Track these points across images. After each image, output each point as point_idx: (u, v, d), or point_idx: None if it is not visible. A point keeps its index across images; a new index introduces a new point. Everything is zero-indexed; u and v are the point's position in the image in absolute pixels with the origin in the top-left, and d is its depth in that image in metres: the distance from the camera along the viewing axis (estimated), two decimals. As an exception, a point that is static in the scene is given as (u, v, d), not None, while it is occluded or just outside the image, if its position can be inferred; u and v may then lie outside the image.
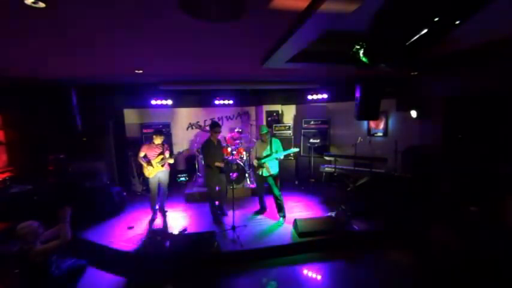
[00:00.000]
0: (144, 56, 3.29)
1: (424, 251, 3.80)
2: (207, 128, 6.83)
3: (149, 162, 4.68)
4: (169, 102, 6.50)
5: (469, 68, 4.16)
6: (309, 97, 6.90)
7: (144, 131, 6.61)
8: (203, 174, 6.21)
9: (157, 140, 4.76)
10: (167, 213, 5.03)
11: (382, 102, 5.24)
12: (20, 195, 4.55)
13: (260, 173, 4.58)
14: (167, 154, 4.81)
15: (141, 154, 4.73)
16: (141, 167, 4.89)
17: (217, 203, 4.84)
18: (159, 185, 4.86)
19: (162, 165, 4.77)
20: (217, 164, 4.45)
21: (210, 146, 4.54)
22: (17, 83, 4.74)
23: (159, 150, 4.76)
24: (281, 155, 4.46)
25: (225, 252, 3.74)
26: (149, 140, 4.93)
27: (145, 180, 6.04)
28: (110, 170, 5.85)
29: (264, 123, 7.37)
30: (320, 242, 3.99)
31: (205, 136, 6.87)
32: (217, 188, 4.77)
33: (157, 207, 4.94)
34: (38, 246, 2.45)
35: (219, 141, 4.77)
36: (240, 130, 6.72)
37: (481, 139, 4.20)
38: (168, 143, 6.81)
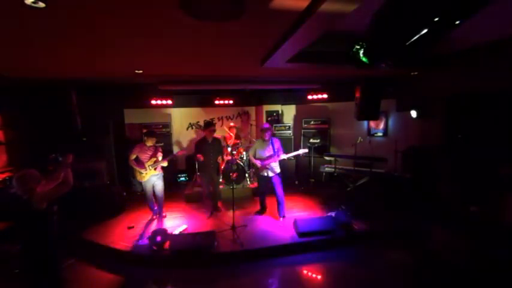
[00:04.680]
0: (144, 56, 3.29)
1: (424, 251, 3.80)
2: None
3: (143, 165, 4.48)
4: (169, 102, 6.50)
5: (469, 67, 4.16)
6: (309, 97, 6.90)
7: (144, 131, 6.60)
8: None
9: (149, 142, 4.52)
10: (166, 216, 4.93)
11: (382, 102, 5.23)
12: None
13: (266, 174, 4.52)
14: (159, 157, 4.57)
15: (133, 156, 4.47)
16: (132, 170, 4.63)
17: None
18: (154, 188, 4.66)
19: (155, 169, 4.56)
20: (198, 156, 4.67)
21: (202, 143, 4.73)
22: (17, 83, 4.74)
23: (150, 153, 4.54)
24: (285, 156, 4.44)
25: (225, 252, 3.74)
26: (141, 142, 4.66)
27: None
28: (110, 170, 5.84)
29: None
30: (320, 242, 3.99)
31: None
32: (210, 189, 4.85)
33: (155, 207, 4.87)
34: (40, 192, 2.36)
35: (215, 140, 4.82)
36: (234, 125, 6.55)
37: (481, 139, 4.19)
38: (168, 143, 6.84)
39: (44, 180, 2.46)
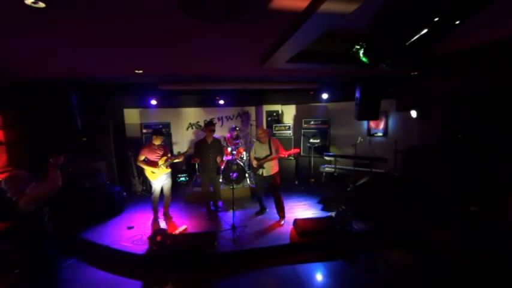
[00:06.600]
0: (144, 56, 3.29)
1: (423, 251, 3.80)
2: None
3: (156, 165, 4.50)
4: (169, 102, 6.49)
5: (469, 67, 4.16)
6: (309, 97, 6.89)
7: (144, 131, 6.60)
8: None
9: (158, 141, 4.59)
10: (173, 218, 4.87)
11: (382, 102, 5.24)
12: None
13: (260, 173, 4.57)
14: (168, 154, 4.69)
15: (141, 157, 4.50)
16: (142, 170, 4.67)
17: (211, 202, 5.01)
18: (162, 187, 4.70)
19: (166, 166, 4.60)
20: (194, 159, 4.72)
21: (200, 144, 4.78)
22: (17, 83, 4.74)
23: (161, 152, 4.59)
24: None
25: (225, 252, 3.74)
26: (149, 141, 4.72)
27: (145, 180, 6.00)
28: (110, 170, 5.85)
29: (264, 123, 7.38)
30: (320, 242, 3.99)
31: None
32: (211, 189, 4.84)
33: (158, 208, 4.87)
34: (28, 194, 2.34)
35: (215, 141, 4.85)
36: (236, 127, 6.56)
37: (481, 139, 4.20)
38: (168, 143, 6.83)
39: (35, 182, 2.42)
